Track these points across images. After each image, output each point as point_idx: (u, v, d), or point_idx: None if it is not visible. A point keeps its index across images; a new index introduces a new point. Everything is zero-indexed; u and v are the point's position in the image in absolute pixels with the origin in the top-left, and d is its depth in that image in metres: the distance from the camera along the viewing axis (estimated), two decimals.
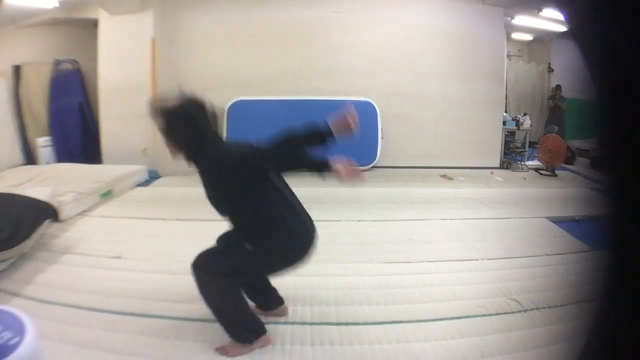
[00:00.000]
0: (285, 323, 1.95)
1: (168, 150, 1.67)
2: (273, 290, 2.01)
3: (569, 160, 5.64)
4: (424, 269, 2.57)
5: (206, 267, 1.66)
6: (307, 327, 1.93)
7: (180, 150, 1.65)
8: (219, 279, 1.63)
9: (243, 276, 1.74)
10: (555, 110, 7.14)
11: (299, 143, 1.64)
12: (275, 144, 1.61)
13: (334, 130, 1.63)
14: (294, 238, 1.66)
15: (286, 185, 1.77)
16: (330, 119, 1.63)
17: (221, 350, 1.76)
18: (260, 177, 1.61)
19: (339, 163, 1.53)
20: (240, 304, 1.72)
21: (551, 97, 7.28)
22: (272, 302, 2.01)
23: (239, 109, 5.25)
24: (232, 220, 1.70)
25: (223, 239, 1.86)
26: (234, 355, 1.73)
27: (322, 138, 1.65)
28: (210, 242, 2.85)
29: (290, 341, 1.83)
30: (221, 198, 1.64)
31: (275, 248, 1.65)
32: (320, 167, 1.56)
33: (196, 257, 1.70)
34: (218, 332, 1.87)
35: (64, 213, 3.22)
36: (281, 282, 2.34)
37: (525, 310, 2.06)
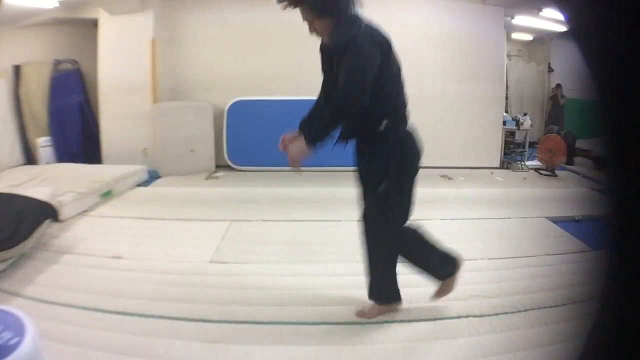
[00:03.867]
0: (286, 323, 1.95)
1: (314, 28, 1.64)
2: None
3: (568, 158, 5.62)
4: None
5: (382, 221, 1.72)
6: (308, 327, 1.93)
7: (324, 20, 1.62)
8: (396, 238, 1.74)
9: (406, 216, 1.78)
10: (554, 109, 7.13)
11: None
12: None
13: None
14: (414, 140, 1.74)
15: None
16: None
17: (361, 313, 1.90)
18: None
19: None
20: (395, 264, 1.83)
21: (551, 98, 7.28)
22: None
23: (239, 109, 5.25)
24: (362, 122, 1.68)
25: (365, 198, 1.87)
26: (373, 317, 1.88)
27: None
28: (209, 242, 2.88)
29: (291, 341, 1.83)
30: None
31: (398, 148, 1.67)
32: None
33: (368, 213, 1.76)
34: (218, 332, 1.87)
35: (64, 213, 3.22)
36: (281, 281, 2.35)
37: (525, 310, 2.06)
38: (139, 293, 2.20)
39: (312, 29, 1.65)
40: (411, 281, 2.37)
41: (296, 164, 1.60)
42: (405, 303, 2.14)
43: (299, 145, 1.58)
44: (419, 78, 5.47)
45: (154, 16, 5.04)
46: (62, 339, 1.78)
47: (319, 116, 1.66)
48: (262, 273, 2.47)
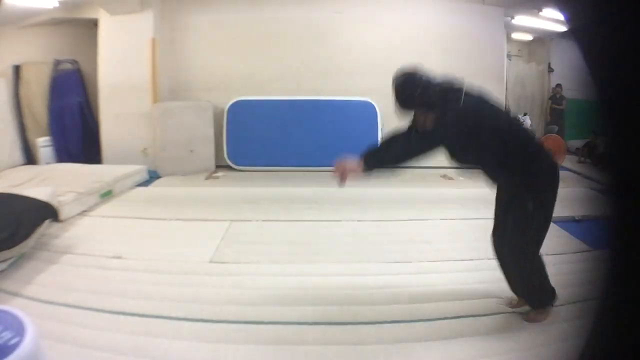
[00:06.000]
0: (286, 323, 1.95)
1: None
2: None
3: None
4: (424, 268, 2.57)
5: (524, 253, 1.84)
6: (308, 327, 1.93)
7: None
8: (534, 257, 1.84)
9: (543, 236, 1.86)
10: (555, 109, 7.14)
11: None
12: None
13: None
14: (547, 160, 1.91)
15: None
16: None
17: (531, 318, 1.95)
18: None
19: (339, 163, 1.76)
20: (545, 270, 1.91)
21: (551, 97, 7.27)
22: None
23: (239, 109, 5.25)
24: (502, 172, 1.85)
25: (502, 221, 1.96)
26: (543, 320, 1.93)
27: None
28: (209, 242, 2.87)
29: (292, 341, 1.83)
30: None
31: (544, 176, 1.90)
32: None
33: (508, 251, 1.90)
34: (217, 332, 1.88)
35: (64, 213, 3.22)
36: (281, 282, 2.35)
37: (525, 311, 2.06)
38: (139, 293, 2.20)
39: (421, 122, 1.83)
40: (412, 281, 2.38)
41: (344, 176, 1.75)
42: (405, 303, 2.14)
43: (354, 163, 1.75)
44: None
45: (154, 16, 5.03)
46: (62, 339, 1.78)
47: (384, 152, 1.84)
48: (262, 273, 2.47)
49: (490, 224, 3.48)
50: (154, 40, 5.02)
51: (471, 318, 2.00)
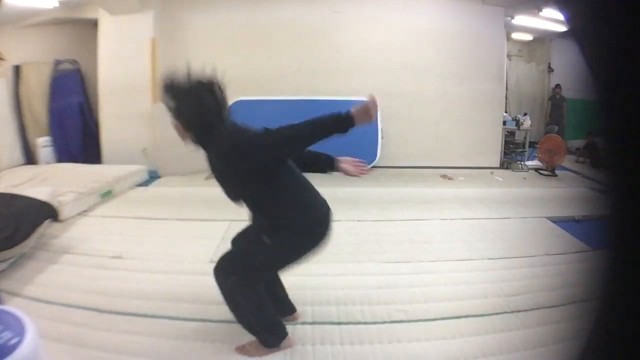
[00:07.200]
0: (286, 323, 1.95)
1: (177, 132, 1.69)
2: (287, 298, 1.98)
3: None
4: (424, 269, 2.57)
5: (227, 269, 1.63)
6: (308, 326, 1.93)
7: (188, 132, 1.65)
8: (241, 280, 1.59)
9: (264, 270, 1.68)
10: (555, 110, 7.14)
11: (319, 130, 1.52)
12: (293, 127, 1.48)
13: (356, 118, 1.47)
14: (313, 217, 1.69)
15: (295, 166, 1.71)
16: (354, 107, 1.49)
17: (241, 349, 1.72)
18: (273, 162, 1.58)
19: (345, 163, 1.68)
20: (265, 306, 1.67)
21: (551, 98, 7.28)
22: (286, 309, 1.96)
23: (239, 109, 5.24)
24: (249, 205, 1.68)
25: (238, 240, 1.86)
26: (254, 356, 1.70)
27: (342, 125, 1.49)
28: (209, 242, 2.87)
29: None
30: (232, 183, 1.64)
31: (297, 232, 1.63)
32: (327, 165, 1.73)
33: (217, 261, 1.68)
34: (217, 332, 1.88)
35: (64, 213, 3.22)
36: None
37: (525, 310, 2.06)
38: (139, 293, 2.20)
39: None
40: (412, 281, 2.38)
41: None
42: (405, 303, 2.14)
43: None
44: (419, 78, 5.48)
45: (153, 16, 5.03)
46: (62, 339, 1.78)
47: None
48: None
49: (489, 224, 3.50)
50: (153, 40, 5.02)
51: (471, 318, 2.00)
